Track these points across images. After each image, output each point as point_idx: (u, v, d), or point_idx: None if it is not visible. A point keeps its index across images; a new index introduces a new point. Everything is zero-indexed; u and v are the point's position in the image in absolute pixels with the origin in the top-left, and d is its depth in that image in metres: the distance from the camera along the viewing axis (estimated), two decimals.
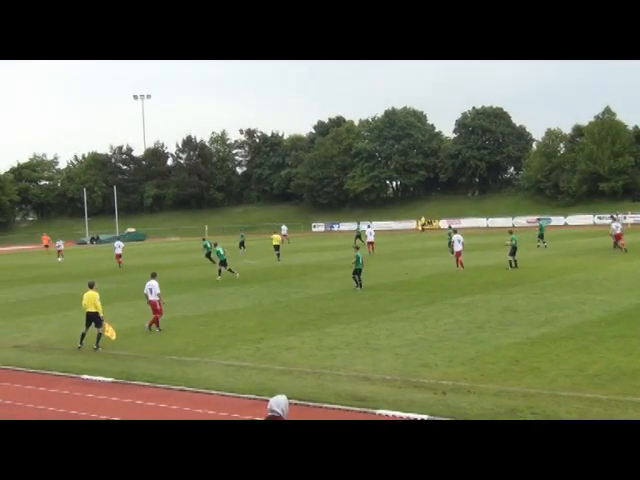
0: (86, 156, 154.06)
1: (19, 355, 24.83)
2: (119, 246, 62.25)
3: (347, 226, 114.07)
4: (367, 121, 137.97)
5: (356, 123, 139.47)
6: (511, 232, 44.99)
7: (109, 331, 24.70)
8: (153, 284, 27.52)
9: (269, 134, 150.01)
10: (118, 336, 25.35)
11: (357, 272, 36.11)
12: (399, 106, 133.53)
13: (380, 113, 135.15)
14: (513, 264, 42.24)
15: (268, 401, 11.05)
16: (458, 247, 43.45)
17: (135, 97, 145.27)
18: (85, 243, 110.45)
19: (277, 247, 59.02)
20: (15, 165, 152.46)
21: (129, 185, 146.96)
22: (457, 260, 43.12)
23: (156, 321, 27.61)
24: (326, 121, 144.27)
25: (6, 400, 19.04)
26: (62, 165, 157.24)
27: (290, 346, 23.45)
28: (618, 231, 51.72)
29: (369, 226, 72.57)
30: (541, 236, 57.32)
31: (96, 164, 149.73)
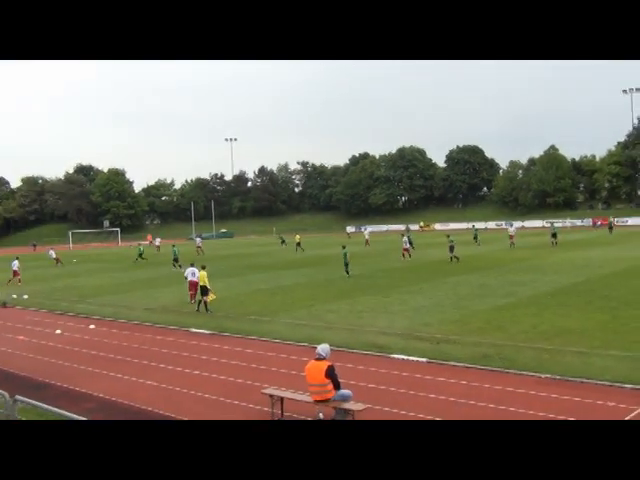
0: (193, 180, 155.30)
1: (147, 314, 25.09)
2: (200, 241, 64.93)
3: (371, 228, 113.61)
4: (384, 155, 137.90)
5: (377, 157, 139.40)
6: (448, 235, 43.45)
7: (210, 296, 24.66)
8: (195, 270, 26.40)
9: (317, 164, 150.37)
10: (213, 303, 25.47)
11: (345, 264, 34.13)
12: (407, 145, 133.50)
13: (394, 150, 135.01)
14: (454, 259, 40.13)
15: (316, 347, 11.14)
16: (406, 245, 42.90)
17: (226, 139, 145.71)
18: (192, 239, 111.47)
19: (299, 244, 59.30)
20: (145, 186, 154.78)
21: (222, 199, 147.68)
22: (403, 253, 42.52)
23: (192, 297, 26.67)
24: (357, 155, 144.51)
25: (137, 345, 19.22)
26: (177, 186, 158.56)
27: (332, 310, 23.34)
28: (512, 233, 52.32)
29: (365, 228, 72.50)
30: (554, 235, 53.81)
31: (199, 185, 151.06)
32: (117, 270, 47.70)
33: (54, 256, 55.61)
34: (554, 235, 52.50)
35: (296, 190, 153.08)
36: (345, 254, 34.22)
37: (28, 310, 28.56)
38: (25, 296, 32.62)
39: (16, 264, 40.41)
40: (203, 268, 25.17)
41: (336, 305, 24.34)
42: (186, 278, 26.95)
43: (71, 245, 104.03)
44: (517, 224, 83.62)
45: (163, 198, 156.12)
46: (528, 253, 44.68)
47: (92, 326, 23.02)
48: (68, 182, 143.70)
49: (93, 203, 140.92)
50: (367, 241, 62.68)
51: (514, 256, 42.33)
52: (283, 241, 70.33)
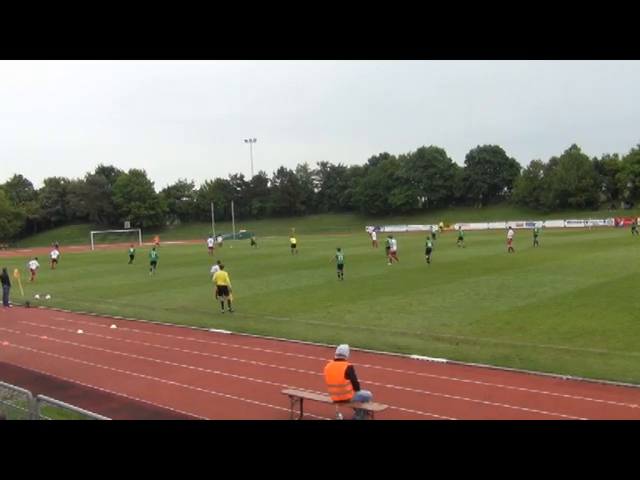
0: (213, 181, 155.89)
1: (168, 314, 25.22)
2: (210, 242, 65.68)
3: (391, 228, 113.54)
4: (404, 155, 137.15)
5: (397, 157, 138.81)
6: (428, 237, 43.56)
7: (230, 296, 24.82)
8: (217, 268, 26.73)
9: (337, 165, 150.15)
10: (235, 303, 25.57)
11: (339, 267, 33.92)
12: (427, 145, 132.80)
13: (413, 150, 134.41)
14: (429, 261, 40.11)
15: (335, 348, 11.15)
16: (393, 248, 41.77)
17: (246, 140, 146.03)
18: (215, 239, 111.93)
19: (294, 245, 59.37)
20: (166, 187, 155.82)
21: (241, 200, 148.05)
22: (392, 257, 41.34)
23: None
24: (377, 155, 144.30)
25: (158, 345, 19.35)
26: (197, 187, 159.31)
27: (351, 310, 23.31)
28: (509, 237, 49.61)
29: (374, 229, 72.87)
30: (536, 235, 54.41)
31: (219, 186, 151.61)
32: (137, 271, 48.05)
33: (54, 257, 55.05)
34: (536, 235, 53.26)
35: (315, 191, 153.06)
36: (337, 255, 34.13)
37: (51, 310, 28.88)
38: (48, 296, 32.97)
39: (34, 263, 43.16)
40: (221, 268, 25.39)
41: (355, 306, 24.30)
42: (211, 276, 27.36)
43: (92, 246, 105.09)
44: (538, 224, 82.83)
45: (183, 199, 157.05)
46: (549, 253, 44.25)
47: (114, 326, 23.22)
48: (90, 183, 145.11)
49: (114, 204, 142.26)
50: (374, 242, 61.97)
51: (535, 256, 42.00)
52: (253, 242, 73.49)
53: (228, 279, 24.81)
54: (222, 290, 24.66)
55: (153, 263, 44.99)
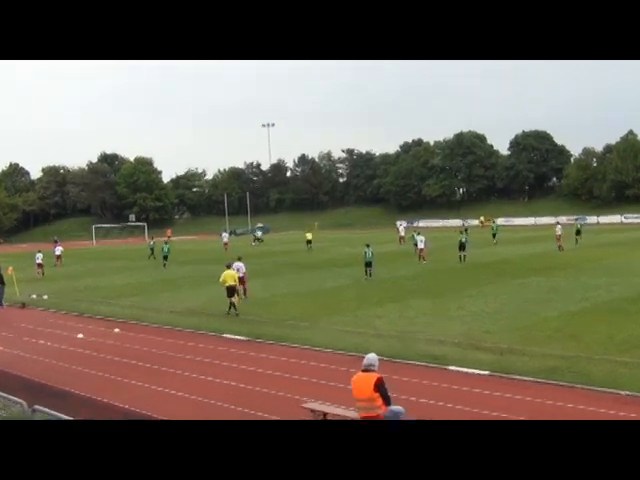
0: (226, 169, 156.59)
1: (175, 317, 25.39)
2: (225, 237, 66.40)
3: (425, 223, 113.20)
4: (440, 142, 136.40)
5: (432, 143, 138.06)
6: (461, 232, 43.18)
7: (236, 297, 25.27)
8: (240, 265, 28.25)
9: (364, 152, 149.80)
10: (249, 305, 25.68)
11: (367, 264, 34.52)
12: (466, 129, 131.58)
13: (450, 136, 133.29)
14: (464, 259, 40.21)
15: (363, 357, 11.01)
16: (420, 245, 42.24)
17: (263, 125, 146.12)
18: (229, 234, 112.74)
19: (309, 241, 61.16)
20: (174, 176, 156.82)
21: (258, 191, 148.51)
22: (420, 254, 41.88)
23: (244, 291, 28.50)
24: (409, 142, 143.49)
25: (165, 351, 19.39)
26: (209, 176, 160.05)
27: (380, 315, 23.24)
28: (558, 233, 49.49)
29: (401, 224, 73.14)
30: (578, 232, 53.91)
31: (234, 175, 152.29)
32: (142, 269, 48.48)
33: (58, 253, 55.69)
34: (578, 232, 52.60)
35: (340, 181, 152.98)
36: (365, 252, 34.60)
37: (48, 311, 29.19)
38: (45, 296, 33.34)
39: (40, 257, 45.27)
40: (228, 267, 26.15)
41: (385, 309, 24.31)
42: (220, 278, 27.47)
43: (94, 241, 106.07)
44: (583, 219, 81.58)
45: (194, 189, 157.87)
46: (603, 252, 43.86)
47: (116, 330, 23.39)
48: (91, 172, 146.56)
49: (118, 195, 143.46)
50: (402, 238, 62.21)
51: (587, 256, 41.55)
52: (257, 238, 75.55)
53: (236, 279, 25.55)
54: (230, 290, 25.14)
55: (165, 257, 47.00)
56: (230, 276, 25.39)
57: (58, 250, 56.08)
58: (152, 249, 55.79)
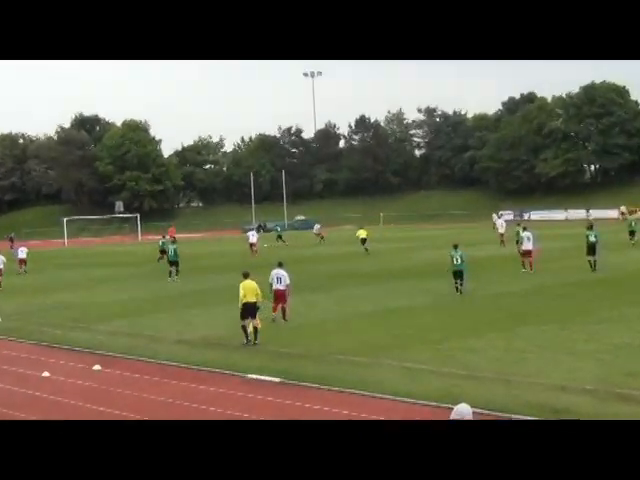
0: (253, 138, 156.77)
1: (182, 350, 25.59)
2: (253, 235, 69.13)
3: (539, 215, 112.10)
4: (562, 98, 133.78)
5: (549, 100, 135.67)
6: (588, 228, 42.83)
7: (257, 321, 25.73)
8: (282, 273, 28.96)
9: (451, 112, 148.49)
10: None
11: (456, 274, 34.60)
12: (598, 80, 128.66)
13: (576, 89, 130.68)
14: (594, 265, 40.50)
15: (450, 410, 10.88)
16: (526, 246, 42.42)
17: (305, 74, 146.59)
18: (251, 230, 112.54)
19: (364, 240, 62.92)
20: (179, 148, 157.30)
21: (298, 169, 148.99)
22: (524, 259, 42.36)
23: (283, 311, 29.14)
24: (516, 97, 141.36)
25: (168, 399, 19.53)
26: (228, 148, 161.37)
27: (474, 348, 23.16)
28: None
29: (501, 215, 78.44)
30: (632, 233, 55.68)
31: (264, 146, 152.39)
32: (135, 279, 49.15)
33: (23, 256, 57.16)
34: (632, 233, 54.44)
35: (417, 154, 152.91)
36: (453, 257, 34.72)
37: (3, 340, 29.70)
38: None
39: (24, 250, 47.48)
40: (245, 276, 26.59)
41: (481, 340, 24.26)
42: (271, 285, 28.92)
43: (66, 239, 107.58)
44: None
45: (206, 167, 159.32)
46: None
47: (97, 367, 23.68)
48: (62, 142, 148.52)
49: (99, 174, 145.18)
50: (501, 236, 63.03)
51: None
52: (280, 237, 78.09)
53: (259, 291, 26.04)
54: (249, 310, 25.62)
55: (173, 263, 47.24)
56: (251, 289, 25.85)
57: (22, 252, 57.40)
58: (163, 251, 56.02)
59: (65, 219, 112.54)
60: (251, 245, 67.42)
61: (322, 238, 78.33)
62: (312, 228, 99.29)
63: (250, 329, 25.61)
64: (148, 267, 55.19)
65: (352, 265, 51.99)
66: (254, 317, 25.62)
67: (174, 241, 52.15)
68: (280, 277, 28.81)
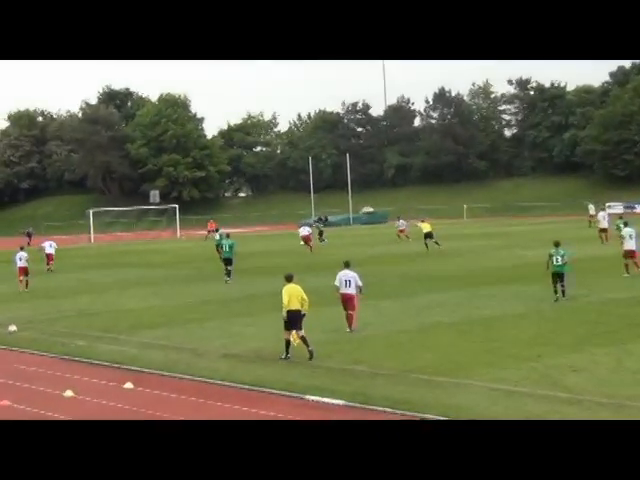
0: (312, 116, 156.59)
1: (230, 366, 25.57)
2: (306, 229, 71.10)
3: None
4: None
5: None
6: (622, 217, 43.35)
7: (294, 335, 25.65)
8: (351, 275, 29.02)
9: (547, 84, 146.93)
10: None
11: (555, 277, 34.61)
12: None
13: None
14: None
15: None
16: (628, 245, 42.11)
17: None
18: (309, 225, 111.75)
19: (429, 235, 64.70)
20: (225, 127, 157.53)
21: (365, 152, 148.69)
22: (628, 260, 41.86)
23: (350, 320, 29.27)
24: (627, 67, 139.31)
25: (201, 419, 19.37)
26: (282, 127, 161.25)
27: (578, 366, 22.87)
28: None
29: (604, 207, 78.50)
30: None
31: (325, 126, 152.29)
32: (173, 282, 49.47)
33: (51, 251, 58.48)
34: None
35: (507, 134, 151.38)
36: (552, 256, 34.68)
37: (17, 352, 29.93)
38: (12, 327, 34.13)
39: (23, 257, 46.84)
40: (288, 280, 26.57)
41: (586, 356, 23.96)
42: (337, 289, 29.05)
43: (92, 235, 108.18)
44: None
45: (257, 149, 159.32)
46: None
47: (128, 385, 23.71)
48: (88, 120, 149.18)
49: (132, 159, 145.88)
50: (603, 231, 62.51)
51: None
52: (320, 235, 77.76)
53: (306, 297, 25.96)
54: (294, 319, 25.61)
55: (228, 262, 47.75)
56: (295, 295, 25.84)
57: (50, 246, 58.75)
58: (220, 245, 55.53)
59: (91, 211, 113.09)
60: (305, 241, 67.50)
61: (407, 237, 76.64)
62: (381, 222, 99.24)
63: (294, 340, 25.66)
64: (188, 268, 55.50)
65: (429, 266, 52.23)
66: (299, 328, 25.63)
67: (228, 235, 52.09)
68: (349, 279, 28.95)
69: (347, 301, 29.08)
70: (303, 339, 25.55)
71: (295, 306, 25.81)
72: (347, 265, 29.81)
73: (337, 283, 29.31)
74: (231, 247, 48.50)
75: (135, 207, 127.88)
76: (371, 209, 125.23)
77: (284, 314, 25.89)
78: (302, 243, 69.52)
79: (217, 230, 67.09)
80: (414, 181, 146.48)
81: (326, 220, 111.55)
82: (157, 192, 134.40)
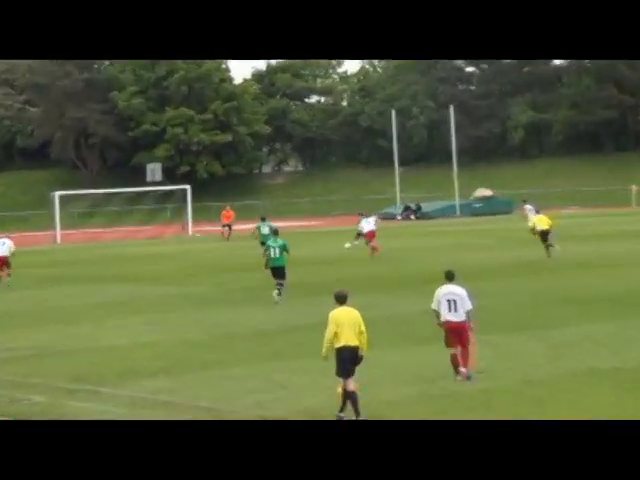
0: None
1: None
2: (371, 222, 73.24)
3: None
4: None
5: None
6: None
7: (339, 388, 25.74)
8: (457, 293, 28.99)
9: None
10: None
11: None
12: None
13: None
14: None
15: None
16: None
17: None
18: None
19: (545, 232, 66.56)
20: (262, 67, 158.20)
21: (479, 105, 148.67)
22: None
23: (464, 359, 29.26)
24: None
25: None
26: (350, 67, 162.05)
27: None
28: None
29: None
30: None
31: (416, 65, 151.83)
32: (182, 305, 49.74)
33: (4, 254, 60.19)
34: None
35: None
36: None
37: None
38: None
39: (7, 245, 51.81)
40: (340, 302, 26.39)
41: None
42: (437, 315, 29.31)
43: (59, 231, 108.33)
44: None
45: (311, 100, 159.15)
46: None
47: None
48: (56, 63, 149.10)
49: (119, 115, 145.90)
50: None
51: None
52: (359, 234, 77.97)
53: (364, 331, 25.84)
54: (347, 360, 25.60)
55: (278, 272, 48.67)
56: (350, 324, 25.68)
57: (2, 245, 60.93)
58: (268, 247, 55.43)
59: (57, 194, 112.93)
60: (367, 239, 70.43)
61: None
62: (504, 212, 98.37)
63: (342, 389, 25.61)
64: (205, 283, 55.44)
65: (575, 281, 52.49)
66: (349, 375, 25.61)
67: (276, 232, 52.08)
68: (454, 299, 28.63)
69: (455, 333, 28.90)
70: (351, 397, 25.37)
71: (350, 341, 25.57)
72: (450, 278, 29.69)
73: (435, 307, 29.13)
74: (283, 250, 48.76)
75: (124, 189, 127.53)
76: (489, 192, 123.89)
77: (328, 352, 26.14)
78: (357, 242, 72.11)
79: (263, 220, 66.56)
80: (554, 149, 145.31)
81: (418, 210, 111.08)
82: (158, 166, 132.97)
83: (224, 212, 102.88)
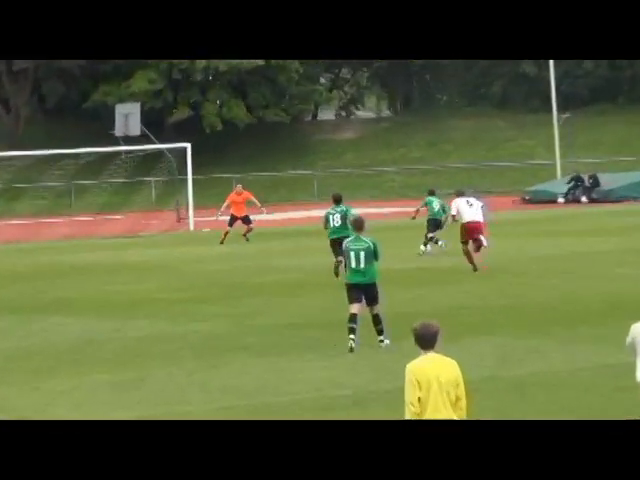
0: None
1: None
2: (472, 208, 60.12)
3: None
4: None
5: None
6: None
7: None
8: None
9: None
10: None
11: None
12: None
13: None
14: None
15: None
16: None
17: None
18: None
19: None
20: None
21: None
22: None
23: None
24: None
25: None
26: None
27: None
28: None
29: None
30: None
31: None
32: (173, 357, 37.95)
33: None
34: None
35: None
36: None
37: None
38: None
39: None
40: (426, 346, 16.89)
41: None
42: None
43: None
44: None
45: None
46: None
47: None
48: None
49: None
50: None
51: None
52: (435, 241, 75.88)
53: (462, 396, 17.50)
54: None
55: (366, 292, 38.65)
56: (445, 382, 16.63)
57: None
58: (346, 249, 43.30)
59: None
60: (467, 235, 60.72)
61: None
62: None
63: None
64: (219, 319, 42.52)
65: None
66: None
67: (360, 226, 39.38)
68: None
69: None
70: None
71: (440, 413, 16.41)
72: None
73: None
74: (370, 254, 34.34)
75: (75, 150, 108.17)
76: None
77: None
78: (441, 243, 61.45)
79: (339, 202, 51.28)
80: None
81: (594, 184, 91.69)
82: (136, 109, 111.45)
83: (232, 194, 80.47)
